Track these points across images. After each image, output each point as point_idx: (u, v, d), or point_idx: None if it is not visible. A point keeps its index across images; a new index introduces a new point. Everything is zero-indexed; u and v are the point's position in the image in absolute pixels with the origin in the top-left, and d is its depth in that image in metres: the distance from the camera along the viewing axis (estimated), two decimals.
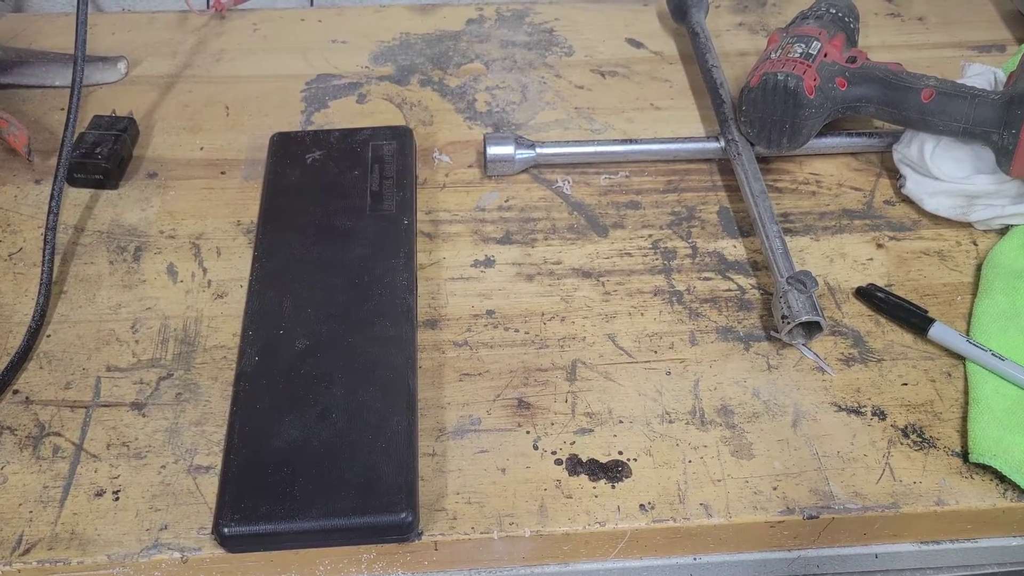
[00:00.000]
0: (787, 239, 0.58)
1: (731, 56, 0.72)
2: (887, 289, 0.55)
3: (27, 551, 0.44)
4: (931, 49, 0.73)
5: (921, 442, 0.49)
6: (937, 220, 0.60)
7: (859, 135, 0.64)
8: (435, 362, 0.52)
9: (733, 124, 0.62)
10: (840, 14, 0.63)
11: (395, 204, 0.57)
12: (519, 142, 0.61)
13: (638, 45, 0.73)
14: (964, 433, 0.49)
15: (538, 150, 0.62)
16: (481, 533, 0.45)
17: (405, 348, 0.50)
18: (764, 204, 0.57)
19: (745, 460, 0.48)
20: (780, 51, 0.60)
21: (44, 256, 0.55)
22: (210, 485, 0.46)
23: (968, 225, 0.59)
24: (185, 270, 0.56)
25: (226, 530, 0.43)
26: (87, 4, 0.59)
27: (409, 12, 0.75)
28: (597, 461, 0.48)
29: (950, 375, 0.52)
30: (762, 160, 0.63)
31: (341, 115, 0.66)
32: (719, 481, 0.47)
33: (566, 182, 0.62)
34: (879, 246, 0.59)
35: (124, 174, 0.62)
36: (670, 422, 0.50)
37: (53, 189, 0.57)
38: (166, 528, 0.45)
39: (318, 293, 0.52)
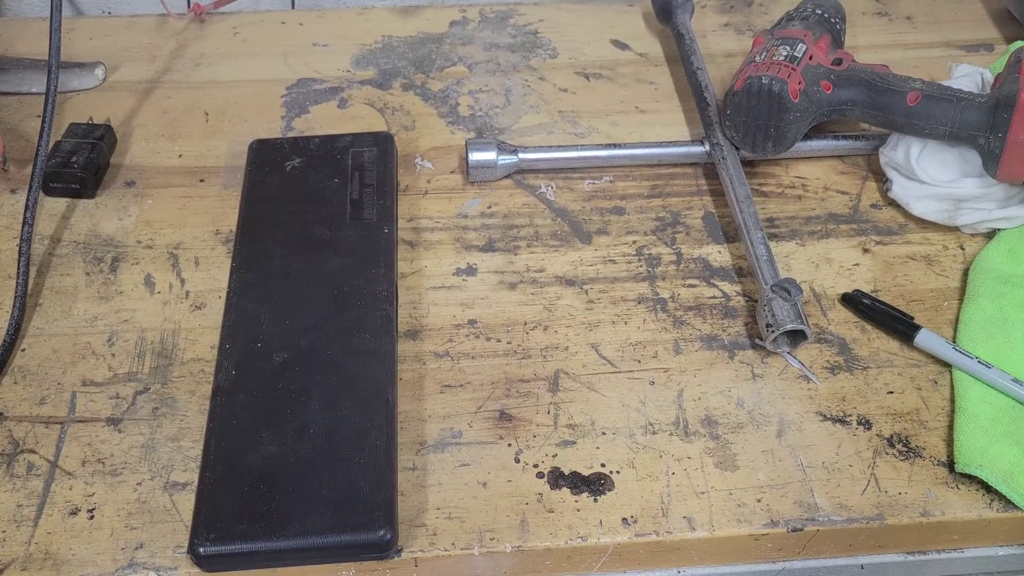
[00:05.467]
0: (772, 244, 0.58)
1: (717, 57, 0.71)
2: (873, 295, 0.55)
3: (0, 572, 0.43)
4: (919, 49, 0.72)
5: (907, 452, 0.48)
6: (924, 224, 0.59)
7: (845, 138, 0.63)
8: (416, 374, 0.51)
9: (718, 128, 0.62)
10: (826, 15, 0.62)
11: (375, 212, 0.56)
12: (501, 148, 0.61)
13: (623, 47, 0.72)
14: (950, 442, 0.49)
15: (520, 156, 0.61)
16: (461, 549, 0.45)
17: (385, 360, 0.49)
18: (749, 210, 0.57)
19: (729, 472, 0.48)
20: (765, 54, 0.59)
21: (19, 268, 0.54)
22: (187, 502, 0.46)
23: (955, 229, 0.59)
24: (163, 281, 0.55)
25: (202, 550, 0.42)
26: (60, 10, 0.58)
27: (391, 14, 0.74)
28: (579, 474, 0.47)
29: (936, 383, 0.51)
30: (748, 163, 0.62)
31: (322, 120, 0.65)
32: (703, 493, 0.47)
33: (549, 188, 0.61)
34: (865, 251, 0.58)
35: (101, 183, 0.61)
36: (653, 433, 0.49)
37: (28, 199, 0.56)
38: (142, 547, 0.44)
39: (297, 304, 0.51)
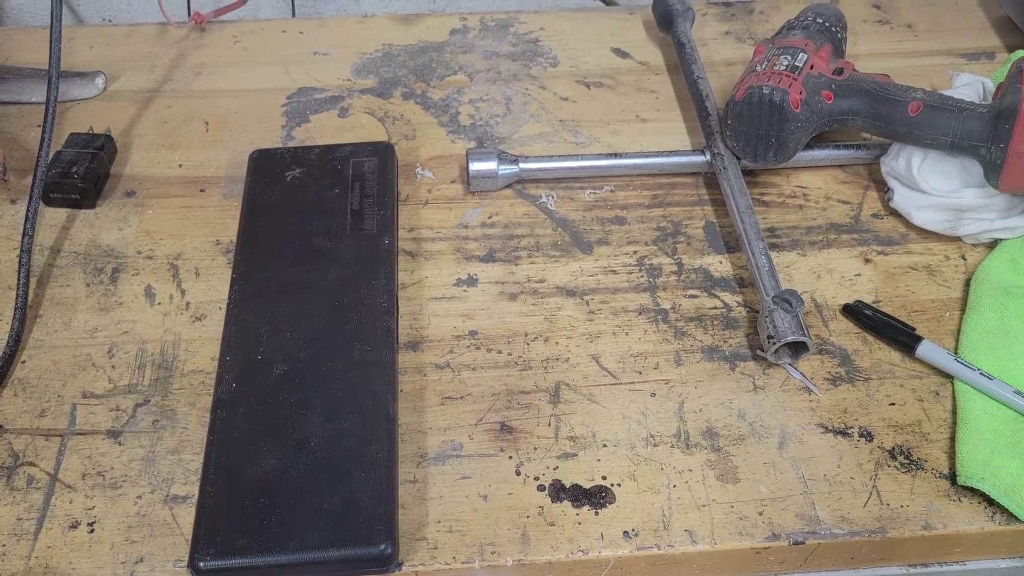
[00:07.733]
0: (774, 254, 0.57)
1: (718, 66, 0.71)
2: (874, 306, 0.55)
3: None
4: (920, 57, 0.72)
5: (909, 464, 0.48)
6: (926, 234, 0.59)
7: (847, 147, 0.63)
8: (416, 386, 0.51)
9: (719, 137, 0.62)
10: (827, 24, 0.62)
11: (376, 222, 0.56)
12: (502, 157, 0.61)
13: (624, 55, 0.72)
14: (952, 454, 0.48)
15: (521, 165, 0.61)
16: (462, 563, 0.45)
17: (385, 372, 0.49)
18: (750, 220, 0.57)
19: (730, 484, 0.47)
20: (766, 64, 0.59)
21: (19, 279, 0.54)
22: (187, 516, 0.46)
23: (957, 239, 0.59)
24: (163, 292, 0.55)
25: (202, 564, 0.42)
26: (60, 20, 0.58)
27: (392, 23, 0.74)
28: (580, 487, 0.47)
29: (938, 394, 0.51)
30: (749, 172, 0.62)
31: (323, 130, 0.65)
32: (704, 506, 0.47)
33: (550, 197, 0.61)
34: (867, 261, 0.58)
35: (101, 193, 0.61)
36: (654, 445, 0.49)
37: (28, 209, 0.56)
38: (142, 561, 0.44)
39: (297, 316, 0.51)
